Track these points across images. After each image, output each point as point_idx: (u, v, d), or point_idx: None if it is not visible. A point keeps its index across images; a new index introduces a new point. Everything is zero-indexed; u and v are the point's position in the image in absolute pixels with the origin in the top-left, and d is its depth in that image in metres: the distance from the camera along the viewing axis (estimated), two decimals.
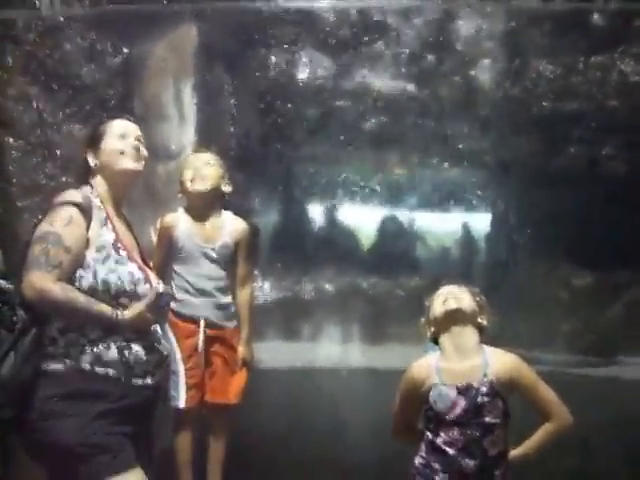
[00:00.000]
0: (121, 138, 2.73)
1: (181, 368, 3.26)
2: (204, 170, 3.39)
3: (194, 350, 3.30)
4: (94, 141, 2.72)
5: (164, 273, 3.29)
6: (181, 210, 3.45)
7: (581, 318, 4.26)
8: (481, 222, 4.63)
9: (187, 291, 3.34)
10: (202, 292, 3.35)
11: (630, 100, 4.21)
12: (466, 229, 4.62)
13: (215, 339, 3.37)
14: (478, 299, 2.72)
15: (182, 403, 3.26)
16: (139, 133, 2.78)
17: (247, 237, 3.50)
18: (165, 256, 3.40)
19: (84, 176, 2.74)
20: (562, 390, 2.62)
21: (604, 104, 4.24)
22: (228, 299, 3.43)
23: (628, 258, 4.16)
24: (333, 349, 4.17)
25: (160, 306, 2.63)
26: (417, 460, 2.64)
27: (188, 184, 3.39)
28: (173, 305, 3.15)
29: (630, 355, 4.10)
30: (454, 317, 2.62)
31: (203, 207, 3.42)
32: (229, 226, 3.45)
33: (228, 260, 3.42)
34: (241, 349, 3.44)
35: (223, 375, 3.38)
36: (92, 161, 2.71)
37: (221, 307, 3.39)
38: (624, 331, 4.19)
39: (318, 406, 3.71)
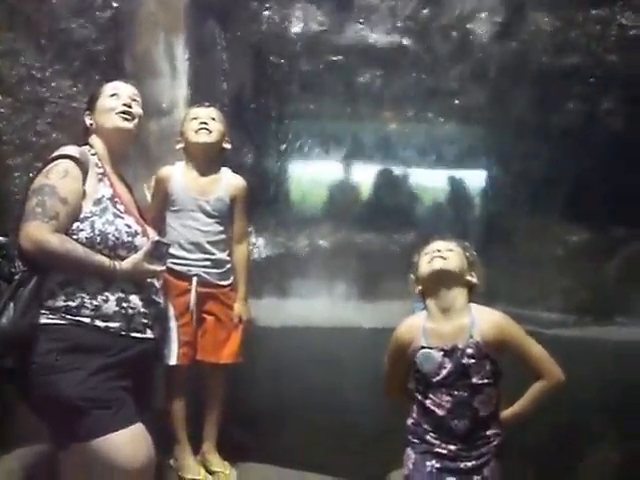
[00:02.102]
0: (113, 97, 2.80)
1: (173, 325, 3.26)
2: (209, 123, 3.37)
3: (186, 308, 3.31)
4: (91, 102, 2.83)
5: (159, 227, 3.31)
6: (179, 163, 3.46)
7: (576, 275, 4.25)
8: (476, 178, 4.59)
9: (181, 246, 3.35)
10: (196, 246, 3.36)
11: (630, 54, 4.14)
12: (461, 185, 4.59)
13: (208, 297, 3.39)
14: (468, 254, 2.70)
15: (174, 360, 3.26)
16: (134, 92, 2.87)
17: (244, 193, 3.51)
18: (160, 209, 3.42)
19: (84, 137, 2.86)
20: (557, 351, 2.62)
21: (603, 58, 4.17)
22: (223, 255, 3.43)
23: (625, 214, 4.13)
24: (327, 306, 4.16)
25: (157, 256, 2.67)
26: (409, 420, 2.67)
27: (192, 135, 3.39)
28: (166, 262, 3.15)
29: (626, 315, 4.10)
30: (439, 277, 2.60)
31: (204, 160, 3.43)
32: (225, 181, 3.46)
33: (224, 215, 3.42)
34: (237, 306, 3.45)
35: (215, 334, 3.40)
36: (88, 121, 2.85)
37: (216, 264, 3.39)
38: (620, 289, 4.19)
39: (313, 363, 3.72)
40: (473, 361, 2.53)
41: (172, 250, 3.30)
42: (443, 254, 2.62)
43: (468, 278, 2.66)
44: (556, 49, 4.21)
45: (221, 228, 3.42)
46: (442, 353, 2.55)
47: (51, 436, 2.69)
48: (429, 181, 4.61)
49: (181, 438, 3.45)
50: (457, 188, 4.57)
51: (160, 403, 3.29)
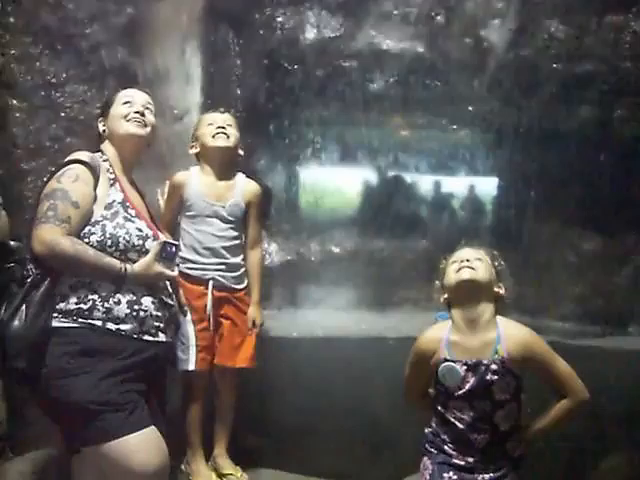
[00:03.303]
0: (127, 105, 2.82)
1: (191, 330, 3.28)
2: (227, 128, 3.40)
3: (203, 312, 3.32)
4: (104, 109, 2.85)
5: (173, 232, 3.34)
6: (194, 168, 3.48)
7: (590, 282, 4.23)
8: (489, 185, 4.58)
9: (196, 250, 3.36)
10: (211, 251, 3.37)
11: None
12: (474, 192, 4.58)
13: (224, 301, 3.40)
14: (496, 264, 2.62)
15: (192, 365, 3.29)
16: (147, 101, 2.89)
17: (258, 198, 3.53)
18: (175, 214, 3.44)
19: (96, 144, 2.87)
20: (569, 360, 2.59)
21: (617, 65, 4.15)
22: (238, 260, 3.44)
23: (637, 222, 4.12)
24: (339, 313, 4.15)
25: (166, 257, 2.67)
26: (427, 429, 2.63)
27: (209, 139, 3.40)
28: (181, 267, 3.18)
29: (638, 324, 4.07)
30: (467, 288, 2.52)
31: (220, 165, 3.45)
32: (241, 186, 3.47)
33: (239, 220, 3.44)
34: (251, 310, 3.46)
35: (231, 338, 3.41)
36: (101, 127, 2.88)
37: (230, 268, 3.41)
38: (632, 298, 4.16)
39: (326, 371, 3.70)
40: (497, 377, 2.48)
41: (187, 255, 3.32)
42: (472, 264, 2.54)
43: (496, 290, 2.58)
44: (570, 56, 4.19)
45: (236, 233, 3.43)
46: (465, 367, 2.51)
47: (64, 439, 2.69)
48: (442, 188, 4.60)
49: (194, 443, 3.45)
50: (470, 195, 4.56)
51: (171, 407, 3.29)
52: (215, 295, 3.35)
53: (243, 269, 3.47)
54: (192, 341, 3.28)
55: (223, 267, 3.39)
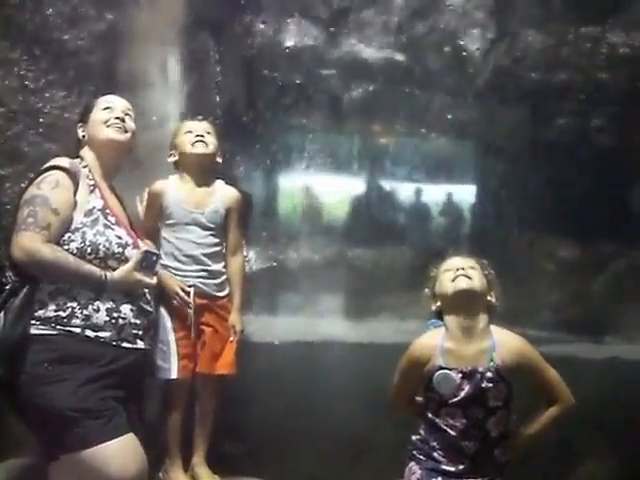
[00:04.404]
0: (107, 110, 2.82)
1: (172, 338, 3.27)
2: (205, 136, 3.40)
3: (184, 320, 3.31)
4: (84, 115, 2.85)
5: (153, 241, 3.32)
6: (172, 177, 3.48)
7: (567, 290, 4.27)
8: (467, 193, 4.61)
9: (176, 258, 3.36)
10: (191, 259, 3.37)
11: (619, 72, 4.19)
12: (452, 199, 4.60)
13: (205, 308, 3.39)
14: (487, 273, 2.64)
15: (174, 374, 3.27)
16: (127, 107, 2.90)
17: (238, 205, 3.52)
18: (154, 223, 3.42)
19: (76, 150, 2.88)
20: None
21: (593, 76, 4.21)
22: (219, 267, 3.44)
23: (613, 230, 4.16)
24: (317, 321, 4.15)
25: (147, 266, 2.68)
26: (415, 436, 2.64)
27: (188, 147, 3.40)
28: (163, 274, 3.18)
29: (614, 333, 4.11)
30: (463, 298, 2.54)
31: (199, 173, 3.45)
32: (220, 193, 3.48)
33: (219, 227, 3.44)
34: (232, 317, 3.45)
35: (213, 345, 3.40)
36: (81, 133, 2.85)
37: (212, 275, 3.40)
38: (608, 306, 4.20)
39: (303, 378, 3.70)
40: (491, 385, 2.51)
41: (168, 262, 3.32)
42: (467, 272, 2.56)
43: (488, 298, 2.61)
44: (547, 66, 4.24)
45: (216, 240, 3.43)
46: (461, 375, 2.52)
47: (41, 447, 2.68)
48: (421, 196, 4.62)
49: (173, 452, 3.43)
50: (448, 203, 4.59)
51: (150, 415, 3.27)
52: (197, 302, 3.34)
53: (225, 276, 3.47)
54: (173, 349, 3.27)
55: (204, 274, 3.38)
